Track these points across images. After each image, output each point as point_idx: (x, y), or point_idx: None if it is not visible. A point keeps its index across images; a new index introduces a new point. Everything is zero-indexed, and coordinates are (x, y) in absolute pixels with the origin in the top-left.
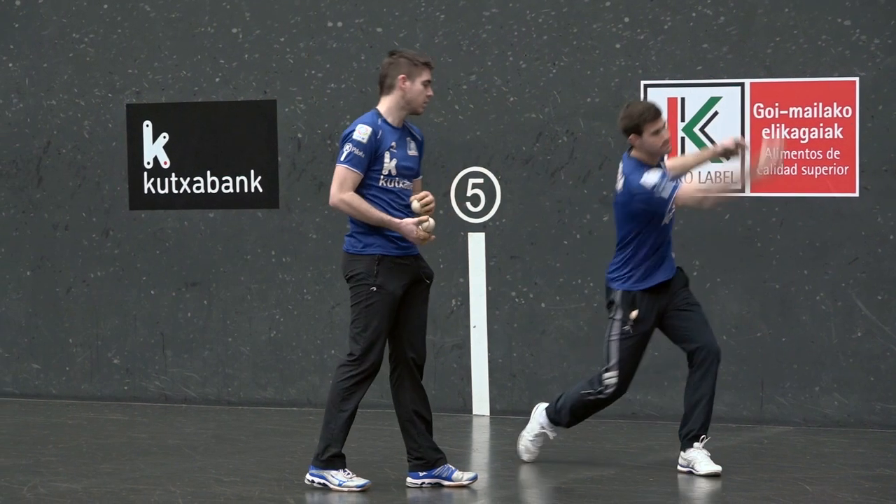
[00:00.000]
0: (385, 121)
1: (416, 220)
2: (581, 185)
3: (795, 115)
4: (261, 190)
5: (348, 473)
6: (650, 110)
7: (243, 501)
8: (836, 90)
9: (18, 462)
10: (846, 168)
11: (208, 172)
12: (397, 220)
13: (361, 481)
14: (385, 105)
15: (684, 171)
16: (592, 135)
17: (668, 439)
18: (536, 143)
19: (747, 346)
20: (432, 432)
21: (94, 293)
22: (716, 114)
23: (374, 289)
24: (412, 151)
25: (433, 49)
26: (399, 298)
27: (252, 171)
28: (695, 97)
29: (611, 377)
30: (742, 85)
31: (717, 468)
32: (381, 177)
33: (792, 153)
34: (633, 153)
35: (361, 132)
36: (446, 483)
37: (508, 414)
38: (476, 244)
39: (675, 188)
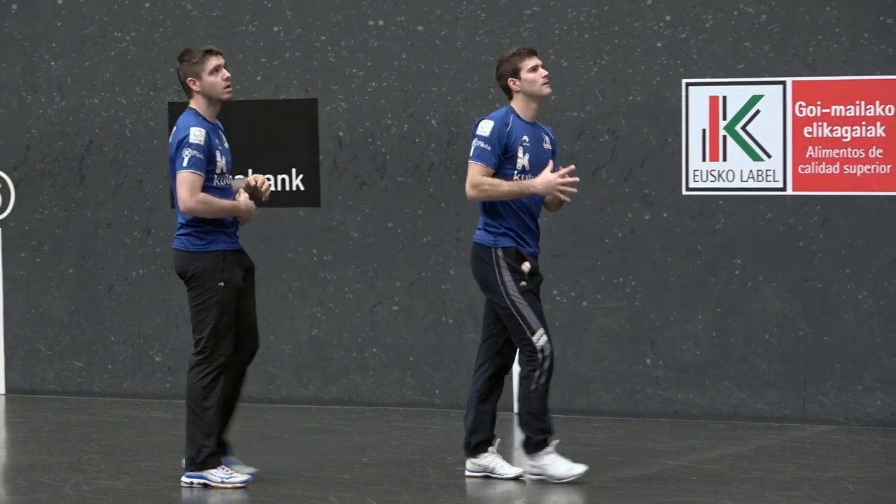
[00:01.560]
0: (205, 120)
1: (243, 196)
2: (622, 184)
3: (837, 114)
4: (302, 188)
5: (227, 470)
6: (524, 48)
7: (286, 499)
8: (878, 88)
9: (61, 460)
10: (889, 167)
11: (249, 171)
12: (242, 203)
13: (244, 476)
14: (196, 106)
15: (491, 191)
16: (634, 133)
17: (709, 438)
18: (578, 141)
19: (789, 344)
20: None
21: (136, 291)
22: (758, 112)
23: (223, 284)
24: (226, 145)
25: (474, 47)
26: (240, 290)
27: (293, 170)
28: (736, 95)
29: (540, 338)
30: (784, 83)
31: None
32: (216, 175)
33: (834, 152)
34: (512, 103)
35: (197, 135)
36: None
37: (550, 412)
38: None
39: (475, 157)
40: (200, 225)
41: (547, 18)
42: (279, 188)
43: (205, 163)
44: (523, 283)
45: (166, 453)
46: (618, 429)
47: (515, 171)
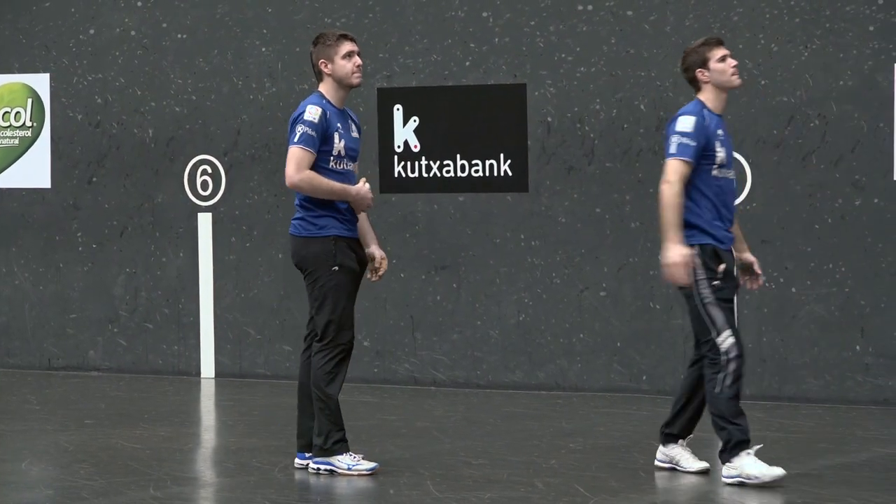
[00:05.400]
0: (329, 103)
1: (361, 182)
2: (833, 170)
3: None
4: (510, 173)
5: (355, 457)
6: (712, 38)
7: (492, 484)
8: None
9: (270, 443)
10: None
11: (458, 156)
12: (354, 187)
13: (370, 464)
14: (324, 89)
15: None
16: (845, 118)
17: None
18: (788, 126)
19: None
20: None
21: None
22: None
23: (337, 268)
24: (354, 134)
25: (684, 31)
26: (358, 275)
27: (501, 155)
28: None
29: (725, 339)
30: None
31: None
32: (332, 157)
33: None
34: (700, 95)
35: (312, 112)
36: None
37: (758, 399)
38: None
39: (673, 154)
40: (313, 209)
41: (757, 3)
42: (487, 173)
43: (317, 141)
44: (716, 282)
45: (374, 437)
46: (826, 416)
47: (714, 166)
